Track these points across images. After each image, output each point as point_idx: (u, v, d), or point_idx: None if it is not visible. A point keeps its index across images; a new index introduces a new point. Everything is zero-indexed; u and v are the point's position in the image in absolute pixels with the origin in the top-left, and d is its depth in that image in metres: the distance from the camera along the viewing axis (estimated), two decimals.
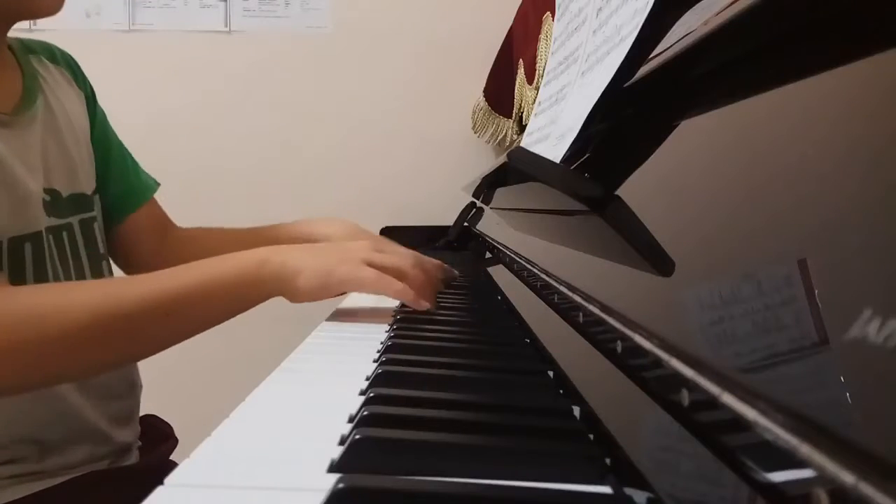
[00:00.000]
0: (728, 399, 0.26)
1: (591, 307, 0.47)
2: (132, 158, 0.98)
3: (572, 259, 0.62)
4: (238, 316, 0.71)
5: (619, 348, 0.40)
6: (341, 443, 0.38)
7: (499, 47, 1.74)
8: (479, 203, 1.48)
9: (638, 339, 0.37)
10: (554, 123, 0.73)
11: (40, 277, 0.75)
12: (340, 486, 0.31)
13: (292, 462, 0.36)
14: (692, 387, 0.29)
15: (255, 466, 0.36)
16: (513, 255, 0.91)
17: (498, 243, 1.10)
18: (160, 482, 0.33)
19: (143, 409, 0.94)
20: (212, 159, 1.88)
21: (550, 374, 0.53)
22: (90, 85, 0.93)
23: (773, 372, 0.26)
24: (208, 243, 1.02)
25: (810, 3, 0.36)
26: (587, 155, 0.64)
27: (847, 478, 0.19)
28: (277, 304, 0.72)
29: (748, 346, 0.29)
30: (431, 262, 0.81)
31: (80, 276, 0.82)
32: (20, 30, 0.83)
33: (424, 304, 0.72)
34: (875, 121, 0.28)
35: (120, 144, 0.97)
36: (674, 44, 0.49)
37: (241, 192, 1.87)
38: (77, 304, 0.63)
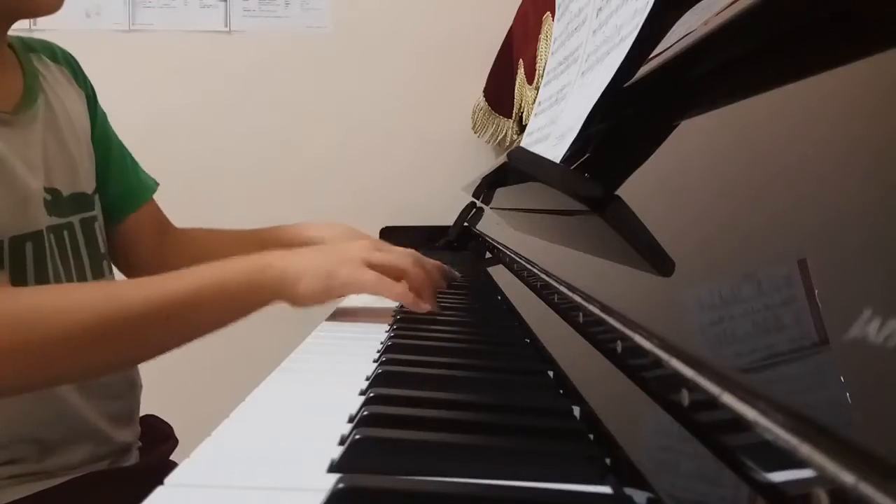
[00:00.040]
0: (728, 399, 0.26)
1: (591, 307, 0.47)
2: (132, 158, 0.98)
3: (572, 259, 0.62)
4: None
5: (619, 348, 0.40)
6: (341, 443, 0.38)
7: (499, 47, 1.74)
8: (479, 203, 1.48)
9: (638, 339, 0.37)
10: (554, 123, 0.73)
11: (41, 276, 0.75)
12: (340, 486, 0.31)
13: (292, 462, 0.36)
14: (692, 387, 0.29)
15: (255, 466, 0.36)
16: (513, 255, 0.91)
17: (498, 243, 1.10)
18: (160, 482, 0.33)
19: (144, 409, 0.94)
20: (212, 159, 1.88)
21: (550, 374, 0.53)
22: (91, 84, 0.93)
23: (773, 372, 0.26)
24: (207, 244, 1.02)
25: (810, 3, 0.36)
26: (587, 155, 0.64)
27: (847, 478, 0.19)
28: (277, 304, 0.72)
29: (748, 346, 0.29)
30: (431, 262, 0.81)
31: (81, 276, 0.82)
32: (20, 30, 0.83)
33: (424, 307, 0.72)
34: (875, 121, 0.28)
35: (120, 144, 0.97)
36: (674, 44, 0.49)
37: (241, 192, 1.87)
38: (80, 306, 0.63)
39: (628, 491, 0.33)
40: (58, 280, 0.78)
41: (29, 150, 0.77)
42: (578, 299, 0.51)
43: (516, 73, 1.56)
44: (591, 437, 0.39)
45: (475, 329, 0.72)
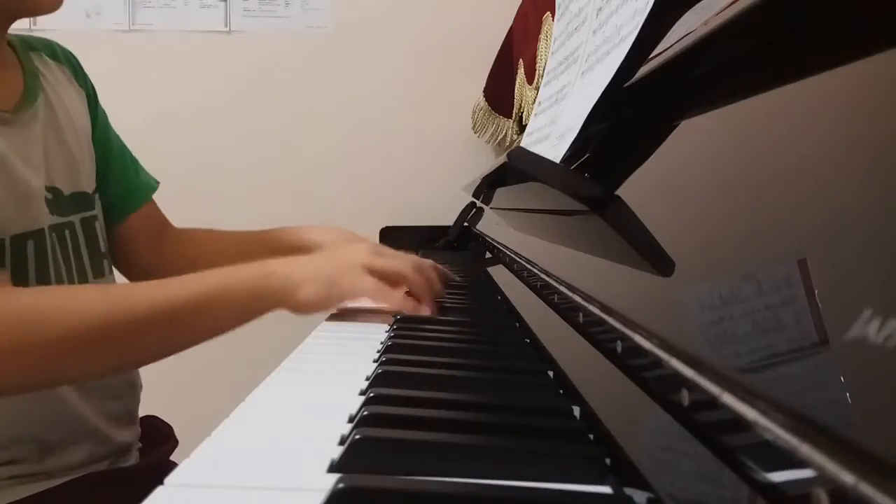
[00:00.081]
0: (728, 399, 0.26)
1: (591, 307, 0.47)
2: (132, 157, 0.98)
3: (572, 259, 0.62)
4: None
5: (619, 348, 0.40)
6: (341, 443, 0.38)
7: (499, 47, 1.74)
8: (479, 203, 1.48)
9: (638, 339, 0.37)
10: (554, 123, 0.73)
11: (42, 275, 0.75)
12: (340, 486, 0.31)
13: (292, 462, 0.36)
14: (692, 387, 0.29)
15: (255, 466, 0.36)
16: (513, 255, 0.91)
17: (498, 243, 1.10)
18: (160, 483, 0.33)
19: (144, 410, 0.94)
20: (212, 159, 1.88)
21: (550, 374, 0.53)
22: (91, 84, 0.93)
23: (773, 372, 0.26)
24: (205, 245, 1.02)
25: (810, 3, 0.36)
26: (587, 155, 0.64)
27: (847, 478, 0.19)
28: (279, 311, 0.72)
29: (748, 346, 0.29)
30: (430, 265, 0.81)
31: (82, 275, 0.82)
32: (20, 29, 0.83)
33: (424, 311, 0.73)
34: (875, 121, 0.28)
35: (121, 144, 0.97)
36: (674, 44, 0.49)
37: (241, 192, 1.87)
38: (82, 308, 0.64)
39: (628, 491, 0.33)
40: (59, 279, 0.78)
41: (29, 148, 0.77)
42: (578, 299, 0.51)
43: (516, 73, 1.56)
44: (591, 437, 0.39)
45: (475, 329, 0.72)
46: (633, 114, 0.59)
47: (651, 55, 0.54)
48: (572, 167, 0.63)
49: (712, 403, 0.27)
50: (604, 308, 0.44)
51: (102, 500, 0.77)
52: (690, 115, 0.47)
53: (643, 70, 0.54)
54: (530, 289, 0.75)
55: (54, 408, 0.77)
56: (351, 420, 0.42)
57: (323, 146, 1.89)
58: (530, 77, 1.44)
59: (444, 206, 1.74)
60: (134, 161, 0.98)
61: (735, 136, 0.40)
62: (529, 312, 0.70)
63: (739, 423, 0.25)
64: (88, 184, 0.87)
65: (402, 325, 0.71)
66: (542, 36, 1.31)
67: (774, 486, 0.23)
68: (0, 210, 0.71)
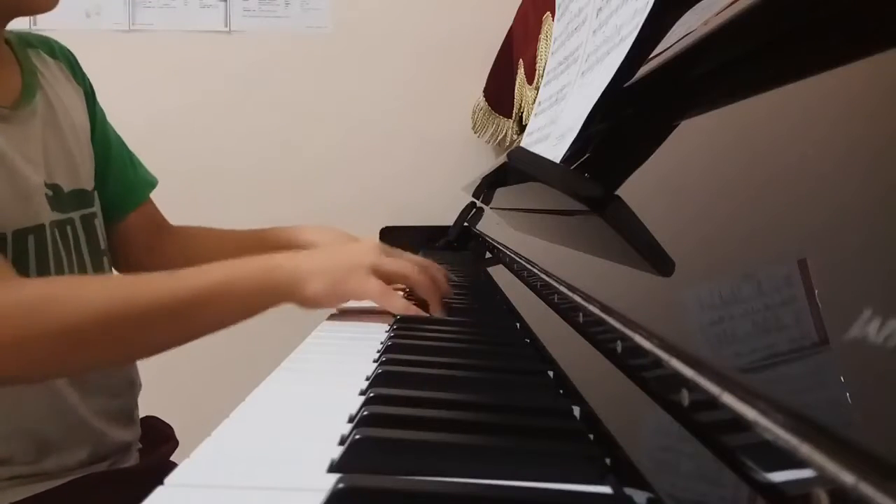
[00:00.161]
0: (728, 399, 0.26)
1: (591, 307, 0.47)
2: (131, 154, 0.98)
3: (572, 259, 0.62)
4: None
5: (619, 348, 0.40)
6: (341, 443, 0.38)
7: (499, 47, 1.74)
8: (479, 203, 1.48)
9: (638, 339, 0.37)
10: (554, 123, 0.73)
11: (43, 271, 0.76)
12: (340, 486, 0.31)
13: (292, 462, 0.36)
14: (692, 387, 0.29)
15: (255, 466, 0.36)
16: (513, 255, 0.91)
17: (498, 243, 1.10)
18: (160, 483, 0.33)
19: (144, 410, 0.94)
20: (212, 159, 1.88)
21: (550, 374, 0.53)
22: (89, 82, 0.93)
23: (773, 372, 0.26)
24: (202, 243, 1.02)
25: (810, 3, 0.36)
26: (587, 155, 0.64)
27: (847, 478, 0.19)
28: (285, 305, 0.72)
29: (748, 346, 0.29)
30: (436, 267, 0.82)
31: (82, 271, 0.82)
32: (19, 30, 0.83)
33: (434, 312, 0.73)
34: (875, 121, 0.28)
35: (120, 142, 0.97)
36: (674, 44, 0.49)
37: (241, 192, 1.87)
38: (89, 298, 0.64)
39: (628, 491, 0.33)
40: (59, 275, 0.78)
41: (29, 145, 0.77)
42: (578, 299, 0.51)
43: (516, 73, 1.56)
44: (591, 437, 0.39)
45: (475, 329, 0.72)
46: (633, 114, 0.59)
47: (651, 55, 0.54)
48: (572, 167, 0.63)
49: (712, 403, 0.27)
50: (604, 308, 0.44)
51: (102, 500, 0.77)
52: (690, 115, 0.47)
53: (643, 70, 0.54)
54: (530, 289, 0.75)
55: (51, 404, 0.77)
56: (351, 420, 0.42)
57: (323, 146, 1.89)
58: (530, 77, 1.44)
59: (444, 206, 1.74)
60: (133, 159, 0.98)
61: (735, 136, 0.40)
62: (529, 312, 0.70)
63: (739, 423, 0.25)
64: (87, 181, 0.87)
65: (402, 325, 0.71)
66: (542, 36, 1.31)
67: (774, 486, 0.23)
68: (1, 205, 0.71)
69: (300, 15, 1.88)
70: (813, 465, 0.20)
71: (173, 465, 0.83)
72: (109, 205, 0.92)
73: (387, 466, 0.34)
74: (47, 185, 0.78)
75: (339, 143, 1.89)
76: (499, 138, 1.76)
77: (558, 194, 0.59)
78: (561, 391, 0.48)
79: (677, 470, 0.31)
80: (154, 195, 1.01)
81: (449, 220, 1.67)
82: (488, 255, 1.28)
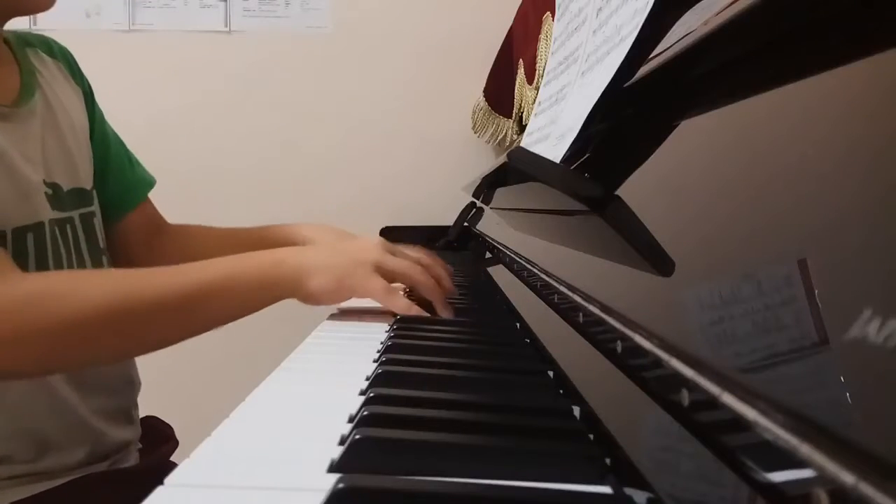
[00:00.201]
0: (728, 399, 0.26)
1: (591, 307, 0.47)
2: (129, 154, 0.98)
3: (572, 259, 0.62)
4: None
5: (619, 348, 0.40)
6: (341, 443, 0.38)
7: (499, 47, 1.74)
8: (479, 203, 1.48)
9: (638, 339, 0.37)
10: (554, 123, 0.73)
11: (42, 269, 0.76)
12: (340, 486, 0.31)
13: (292, 462, 0.36)
14: (692, 387, 0.29)
15: (255, 466, 0.36)
16: (513, 255, 0.91)
17: (498, 243, 1.10)
18: (160, 483, 0.33)
19: (144, 410, 0.94)
20: (212, 159, 1.88)
21: (550, 374, 0.53)
22: (88, 82, 0.93)
23: (773, 372, 0.26)
24: (199, 240, 1.02)
25: (810, 3, 0.36)
26: (587, 155, 0.64)
27: (847, 478, 0.19)
28: (278, 303, 0.72)
29: (748, 346, 0.29)
30: (441, 264, 0.82)
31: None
32: (20, 30, 0.83)
33: (440, 312, 0.74)
34: (875, 121, 0.28)
35: (118, 142, 0.97)
36: (674, 44, 0.49)
37: (241, 192, 1.87)
38: (91, 292, 0.64)
39: (628, 491, 0.33)
40: None
41: (28, 144, 0.77)
42: (578, 299, 0.51)
43: (516, 73, 1.56)
44: (591, 437, 0.39)
45: (475, 329, 0.72)
46: (633, 114, 0.59)
47: (651, 55, 0.54)
48: (572, 167, 0.63)
49: (712, 403, 0.27)
50: (604, 308, 0.44)
51: (102, 500, 0.77)
52: (690, 115, 0.47)
53: (643, 70, 0.54)
54: (530, 289, 0.75)
55: (50, 403, 0.77)
56: (351, 420, 0.42)
57: (323, 146, 1.89)
58: (530, 77, 1.44)
59: (444, 206, 1.74)
60: (131, 159, 0.98)
61: (735, 136, 0.40)
62: (529, 312, 0.70)
63: (739, 423, 0.25)
64: (86, 180, 0.87)
65: (402, 325, 0.71)
66: (542, 36, 1.31)
67: (774, 486, 0.23)
68: (1, 202, 0.71)
69: (300, 15, 1.88)
70: (813, 465, 0.20)
71: (173, 465, 0.83)
72: (109, 204, 0.92)
73: (387, 466, 0.34)
74: (46, 184, 0.78)
75: (339, 143, 1.89)
76: (499, 138, 1.76)
77: (558, 194, 0.59)
78: (561, 391, 0.48)
79: (677, 470, 0.31)
80: (154, 195, 1.01)
81: (449, 220, 1.67)
82: (488, 255, 1.28)
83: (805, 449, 0.21)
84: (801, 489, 0.21)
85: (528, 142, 0.84)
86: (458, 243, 1.64)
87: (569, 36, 0.78)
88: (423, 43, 1.88)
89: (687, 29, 0.49)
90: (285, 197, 1.86)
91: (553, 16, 1.01)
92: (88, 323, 0.63)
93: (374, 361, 0.57)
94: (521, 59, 1.54)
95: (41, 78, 0.83)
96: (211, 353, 1.57)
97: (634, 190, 0.50)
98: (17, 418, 0.75)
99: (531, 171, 0.62)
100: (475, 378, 0.51)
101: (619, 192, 0.51)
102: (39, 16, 1.76)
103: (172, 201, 1.08)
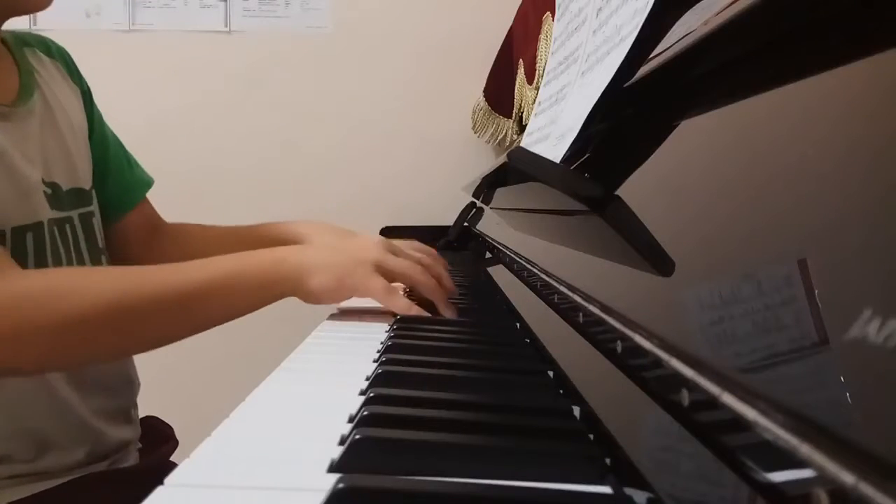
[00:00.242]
0: (728, 399, 0.26)
1: (591, 307, 0.47)
2: (127, 154, 0.98)
3: (572, 259, 0.62)
4: None
5: (619, 348, 0.40)
6: (341, 443, 0.38)
7: (499, 47, 1.74)
8: (479, 203, 1.48)
9: (638, 339, 0.37)
10: (554, 123, 0.73)
11: (41, 268, 0.76)
12: (340, 486, 0.31)
13: (292, 462, 0.36)
14: (692, 387, 0.29)
15: (255, 466, 0.36)
16: (513, 255, 0.91)
17: (498, 243, 1.10)
18: (160, 483, 0.33)
19: (144, 410, 0.94)
20: (212, 159, 1.88)
21: (550, 374, 0.53)
22: (86, 82, 0.93)
23: (773, 372, 0.26)
24: (197, 239, 1.03)
25: (810, 3, 0.36)
26: (587, 155, 0.64)
27: (847, 478, 0.19)
28: (278, 303, 0.72)
29: (748, 346, 0.29)
30: (440, 263, 0.82)
31: None
32: (20, 30, 0.83)
33: (443, 312, 0.74)
34: (875, 121, 0.28)
35: (117, 142, 0.97)
36: (674, 44, 0.49)
37: (241, 192, 1.87)
38: (94, 289, 0.64)
39: (628, 491, 0.33)
40: None
41: (27, 143, 0.77)
42: (578, 299, 0.51)
43: (516, 73, 1.56)
44: (591, 437, 0.39)
45: (475, 329, 0.72)
46: (633, 114, 0.59)
47: (651, 55, 0.54)
48: (572, 167, 0.63)
49: (712, 403, 0.27)
50: (604, 308, 0.44)
51: (102, 500, 0.77)
52: (690, 115, 0.47)
53: (643, 70, 0.54)
54: (530, 289, 0.75)
55: (50, 403, 0.77)
56: (351, 420, 0.42)
57: (323, 146, 1.89)
58: (530, 77, 1.44)
59: (444, 206, 1.74)
60: (130, 159, 0.98)
61: (735, 136, 0.40)
62: (529, 312, 0.70)
63: (739, 423, 0.25)
64: (85, 180, 0.87)
65: (402, 325, 0.71)
66: (542, 36, 1.31)
67: (774, 486, 0.23)
68: (0, 201, 0.71)
69: (300, 15, 1.88)
70: (813, 465, 0.20)
71: (173, 465, 0.83)
72: (108, 205, 0.92)
73: (387, 466, 0.34)
74: (46, 184, 0.78)
75: (339, 143, 1.89)
76: (499, 138, 1.76)
77: (558, 194, 0.59)
78: (561, 391, 0.48)
79: (677, 470, 0.31)
80: (154, 195, 1.01)
81: (449, 220, 1.68)
82: (488, 255, 1.28)
83: (805, 449, 0.21)
84: (801, 489, 0.21)
85: (528, 142, 0.84)
86: (458, 243, 1.64)
87: (569, 36, 0.78)
88: (423, 43, 1.88)
89: (687, 29, 0.49)
90: (285, 197, 1.86)
91: (553, 16, 1.01)
92: (88, 320, 0.63)
93: (374, 361, 0.57)
94: (521, 59, 1.54)
95: (39, 78, 0.83)
96: (211, 353, 1.57)
97: (634, 190, 0.50)
98: (17, 418, 0.75)
99: (531, 171, 0.62)
100: (475, 378, 0.51)
101: (619, 192, 0.51)
102: (39, 15, 1.76)
103: (172, 201, 1.08)
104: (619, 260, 0.48)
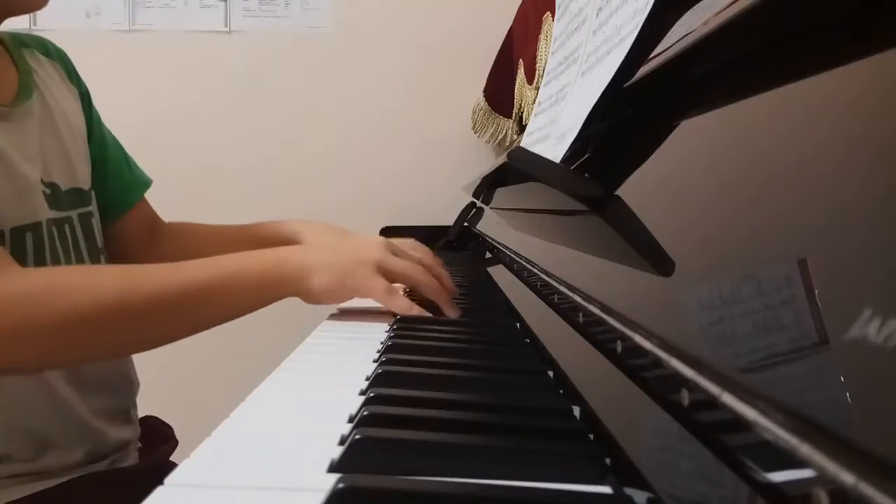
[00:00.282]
0: (728, 399, 0.26)
1: (591, 307, 0.47)
2: (125, 155, 0.98)
3: (572, 259, 0.62)
4: None
5: (619, 348, 0.40)
6: (341, 443, 0.38)
7: (499, 47, 1.74)
8: (479, 203, 1.48)
9: (638, 339, 0.37)
10: (554, 123, 0.73)
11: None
12: (340, 486, 0.31)
13: (292, 462, 0.36)
14: (692, 387, 0.29)
15: (255, 466, 0.36)
16: (513, 255, 0.91)
17: (498, 243, 1.10)
18: (160, 483, 0.33)
19: (144, 410, 0.94)
20: (212, 159, 1.88)
21: (550, 374, 0.53)
22: (84, 83, 0.93)
23: (773, 372, 0.26)
24: (195, 238, 1.03)
25: (810, 3, 0.36)
26: (587, 155, 0.64)
27: (847, 478, 0.19)
28: (278, 303, 0.72)
29: (748, 346, 0.29)
30: (438, 263, 0.82)
31: None
32: (20, 29, 0.83)
33: (448, 312, 0.74)
34: (875, 121, 0.28)
35: (116, 143, 0.97)
36: (674, 44, 0.49)
37: (241, 192, 1.87)
38: (96, 287, 0.64)
39: (628, 491, 0.33)
40: None
41: (26, 143, 0.77)
42: (578, 299, 0.51)
43: (516, 73, 1.56)
44: (591, 437, 0.39)
45: (475, 329, 0.72)
46: (633, 114, 0.59)
47: (651, 55, 0.54)
48: (572, 167, 0.63)
49: (712, 403, 0.27)
50: (604, 308, 0.44)
51: (102, 500, 0.77)
52: (690, 115, 0.47)
53: (643, 70, 0.54)
54: (530, 289, 0.75)
55: (50, 403, 0.77)
56: (351, 420, 0.42)
57: (323, 146, 1.89)
58: (530, 77, 1.44)
59: (444, 206, 1.74)
60: (128, 159, 0.99)
61: (735, 136, 0.40)
62: (529, 312, 0.70)
63: (739, 423, 0.25)
64: (84, 181, 0.87)
65: (402, 325, 0.71)
66: (542, 36, 1.31)
67: (774, 486, 0.23)
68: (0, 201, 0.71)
69: (300, 15, 1.88)
70: (813, 465, 0.20)
71: (173, 465, 0.83)
72: (107, 205, 0.92)
73: (387, 466, 0.34)
74: (45, 184, 0.78)
75: (339, 143, 1.89)
76: (499, 138, 1.76)
77: (558, 194, 0.59)
78: (561, 391, 0.48)
79: (677, 470, 0.31)
80: (154, 195, 1.01)
81: (449, 220, 1.68)
82: (488, 255, 1.28)
83: (805, 449, 0.21)
84: (801, 489, 0.21)
85: (528, 142, 0.84)
86: (458, 243, 1.64)
87: (569, 36, 0.78)
88: (423, 43, 1.88)
89: (687, 29, 0.49)
90: (285, 197, 1.86)
91: (553, 16, 1.01)
92: (87, 319, 0.63)
93: (374, 361, 0.57)
94: (521, 59, 1.54)
95: (38, 78, 0.83)
96: (211, 353, 1.57)
97: (634, 190, 0.50)
98: (17, 417, 0.75)
99: (531, 171, 0.62)
100: (475, 378, 0.51)
101: (619, 192, 0.51)
102: (39, 15, 1.76)
103: (172, 201, 1.08)
104: (619, 260, 0.48)
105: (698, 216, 0.41)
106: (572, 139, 0.61)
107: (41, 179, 0.78)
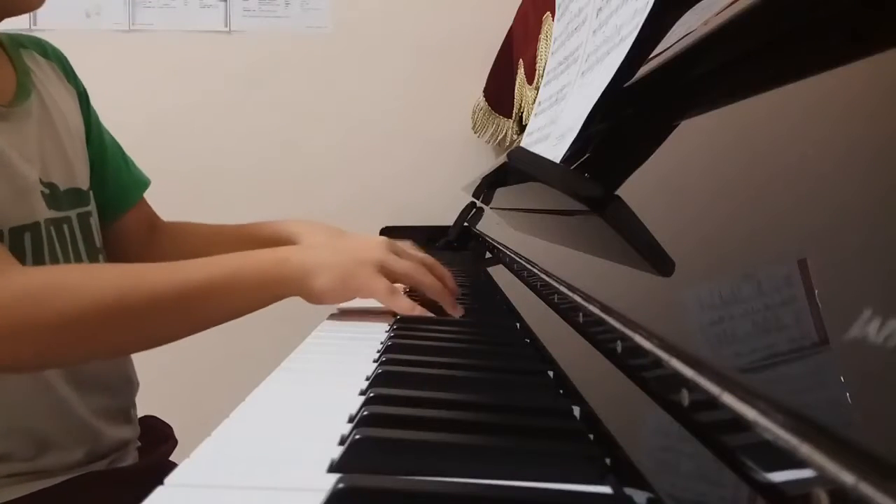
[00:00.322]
0: (728, 399, 0.26)
1: (591, 307, 0.47)
2: (124, 154, 0.99)
3: (572, 259, 0.62)
4: None
5: (619, 348, 0.40)
6: (341, 443, 0.38)
7: (499, 47, 1.74)
8: (479, 203, 1.48)
9: (638, 339, 0.37)
10: (554, 123, 0.73)
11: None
12: (340, 486, 0.31)
13: (292, 462, 0.36)
14: (692, 387, 0.29)
15: (255, 466, 0.36)
16: (513, 255, 0.91)
17: (498, 243, 1.10)
18: (160, 483, 0.33)
19: (143, 410, 0.94)
20: (212, 159, 1.88)
21: (550, 374, 0.53)
22: (82, 83, 0.93)
23: (773, 372, 0.26)
24: (194, 237, 1.03)
25: (810, 3, 0.36)
26: (587, 155, 0.64)
27: (847, 478, 0.19)
28: (278, 303, 0.72)
29: (748, 346, 0.29)
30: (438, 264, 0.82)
31: None
32: (21, 29, 0.83)
33: (452, 312, 0.75)
34: (875, 121, 0.28)
35: (114, 143, 0.97)
36: (674, 44, 0.49)
37: (241, 192, 1.87)
38: (97, 285, 0.64)
39: (628, 491, 0.33)
40: None
41: (25, 143, 0.77)
42: (578, 299, 0.51)
43: (516, 73, 1.56)
44: (591, 437, 0.39)
45: (475, 329, 0.72)
46: (633, 114, 0.59)
47: (651, 55, 0.54)
48: (572, 167, 0.63)
49: (712, 403, 0.27)
50: (604, 308, 0.44)
51: (101, 499, 0.77)
52: (690, 115, 0.47)
53: (643, 70, 0.54)
54: (530, 289, 0.75)
55: (49, 402, 0.77)
56: (351, 420, 0.42)
57: (323, 146, 1.89)
58: (530, 77, 1.44)
59: (444, 206, 1.74)
60: (126, 159, 0.99)
61: (735, 136, 0.40)
62: (529, 312, 0.70)
63: (739, 423, 0.25)
64: (83, 181, 0.87)
65: (402, 325, 0.71)
66: (542, 36, 1.31)
67: (774, 486, 0.23)
68: None
69: (300, 15, 1.88)
70: (813, 465, 0.20)
71: (173, 465, 0.83)
72: (106, 205, 0.92)
73: (387, 466, 0.34)
74: (43, 184, 0.78)
75: (339, 143, 1.89)
76: (499, 138, 1.76)
77: (558, 194, 0.59)
78: (561, 391, 0.48)
79: (677, 470, 0.31)
80: (154, 195, 1.01)
81: (449, 220, 1.68)
82: (488, 255, 1.28)
83: (805, 449, 0.21)
84: (801, 489, 0.21)
85: (528, 142, 0.84)
86: (458, 243, 1.64)
87: (569, 36, 0.78)
88: (423, 43, 1.88)
89: (687, 29, 0.49)
90: (285, 197, 1.86)
91: (553, 16, 1.01)
92: (87, 318, 0.63)
93: (374, 361, 0.57)
94: (521, 59, 1.54)
95: (36, 79, 0.83)
96: (211, 353, 1.58)
97: (634, 190, 0.50)
98: (16, 417, 0.75)
99: (531, 171, 0.62)
100: (475, 378, 0.51)
101: (619, 192, 0.51)
102: (40, 16, 1.76)
103: (172, 201, 1.08)
104: (619, 260, 0.48)
105: (698, 216, 0.41)
106: (572, 139, 0.61)
107: (40, 179, 0.78)
